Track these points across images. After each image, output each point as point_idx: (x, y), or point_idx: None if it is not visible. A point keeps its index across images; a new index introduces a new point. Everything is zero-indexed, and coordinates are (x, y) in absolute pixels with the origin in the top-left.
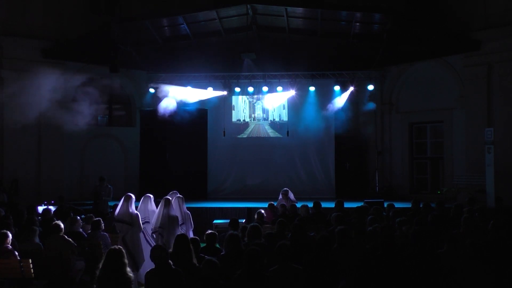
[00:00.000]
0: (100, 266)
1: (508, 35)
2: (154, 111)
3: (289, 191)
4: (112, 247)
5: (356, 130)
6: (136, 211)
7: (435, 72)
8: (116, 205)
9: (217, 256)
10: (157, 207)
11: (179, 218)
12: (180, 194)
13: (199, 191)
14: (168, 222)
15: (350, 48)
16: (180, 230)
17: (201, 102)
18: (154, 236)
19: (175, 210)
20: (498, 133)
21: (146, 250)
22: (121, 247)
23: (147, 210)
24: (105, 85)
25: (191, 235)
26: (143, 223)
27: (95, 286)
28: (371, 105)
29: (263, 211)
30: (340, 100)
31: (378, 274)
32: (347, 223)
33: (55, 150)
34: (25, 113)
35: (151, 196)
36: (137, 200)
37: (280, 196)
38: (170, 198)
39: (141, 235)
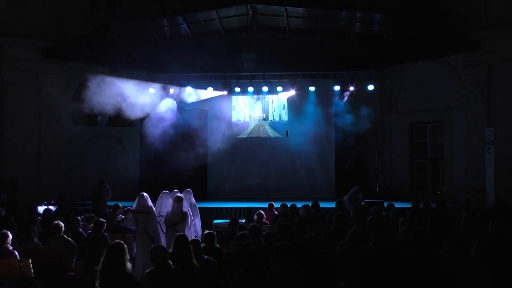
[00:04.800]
0: (101, 261)
1: (508, 35)
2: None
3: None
4: (113, 242)
5: (356, 130)
6: (151, 204)
7: (435, 72)
8: (118, 205)
9: (223, 254)
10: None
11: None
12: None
13: (199, 191)
14: (180, 217)
15: (350, 48)
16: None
17: (201, 102)
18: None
19: (185, 207)
20: (498, 133)
21: (162, 238)
22: (122, 242)
23: (163, 205)
24: (105, 85)
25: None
26: (158, 217)
27: (97, 283)
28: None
29: (263, 212)
30: (340, 100)
31: (379, 274)
32: (347, 223)
33: (55, 150)
34: (25, 113)
35: (168, 192)
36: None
37: (352, 191)
38: (182, 196)
39: (158, 225)
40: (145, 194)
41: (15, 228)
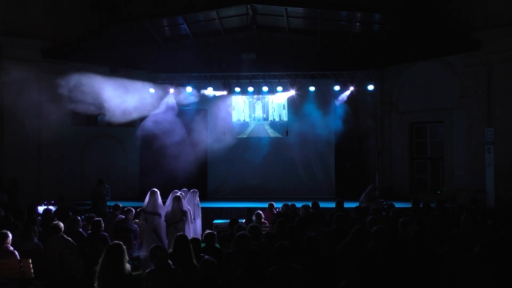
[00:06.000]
0: (100, 261)
1: (508, 35)
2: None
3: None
4: (112, 242)
5: (356, 130)
6: (161, 203)
7: (435, 72)
8: (118, 205)
9: (223, 254)
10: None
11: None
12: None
13: (199, 191)
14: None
15: (350, 48)
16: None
17: (201, 102)
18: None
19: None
20: (498, 133)
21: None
22: (121, 242)
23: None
24: (105, 85)
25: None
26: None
27: (95, 283)
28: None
29: (261, 212)
30: (340, 100)
31: (379, 274)
32: (347, 223)
33: (55, 150)
34: (25, 113)
35: (178, 191)
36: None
37: (368, 189)
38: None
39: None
40: (157, 191)
41: (19, 228)
